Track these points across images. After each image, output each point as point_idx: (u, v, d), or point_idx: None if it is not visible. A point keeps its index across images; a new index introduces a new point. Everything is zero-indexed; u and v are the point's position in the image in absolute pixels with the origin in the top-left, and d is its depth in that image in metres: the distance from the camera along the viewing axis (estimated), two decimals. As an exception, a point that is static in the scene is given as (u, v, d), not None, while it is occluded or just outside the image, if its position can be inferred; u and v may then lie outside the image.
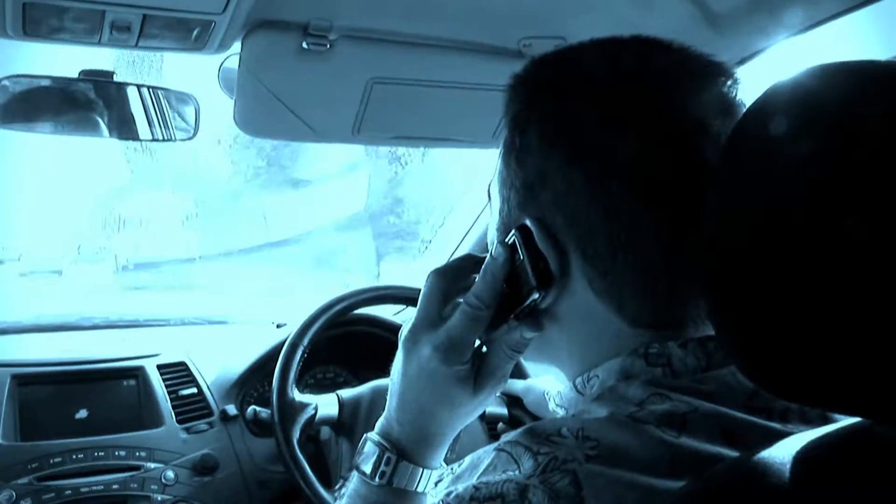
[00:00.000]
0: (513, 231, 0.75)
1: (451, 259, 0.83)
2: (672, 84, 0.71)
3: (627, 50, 0.75)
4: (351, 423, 1.73)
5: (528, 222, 0.73)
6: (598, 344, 0.74)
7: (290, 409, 1.69)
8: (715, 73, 0.73)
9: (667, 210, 0.68)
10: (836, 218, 0.49)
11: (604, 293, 0.72)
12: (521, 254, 0.74)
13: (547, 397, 0.82)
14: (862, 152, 0.49)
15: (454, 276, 0.82)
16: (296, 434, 1.69)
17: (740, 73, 0.75)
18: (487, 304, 0.77)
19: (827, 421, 0.67)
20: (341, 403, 1.75)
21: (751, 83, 0.72)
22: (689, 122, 0.70)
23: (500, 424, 1.94)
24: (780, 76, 0.58)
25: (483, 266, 0.77)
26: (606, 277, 0.71)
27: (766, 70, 1.38)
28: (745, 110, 0.59)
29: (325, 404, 1.74)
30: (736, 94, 0.73)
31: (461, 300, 0.79)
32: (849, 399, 0.53)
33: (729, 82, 0.73)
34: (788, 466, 0.55)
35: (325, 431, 1.78)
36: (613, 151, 0.69)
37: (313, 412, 1.71)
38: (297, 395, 1.72)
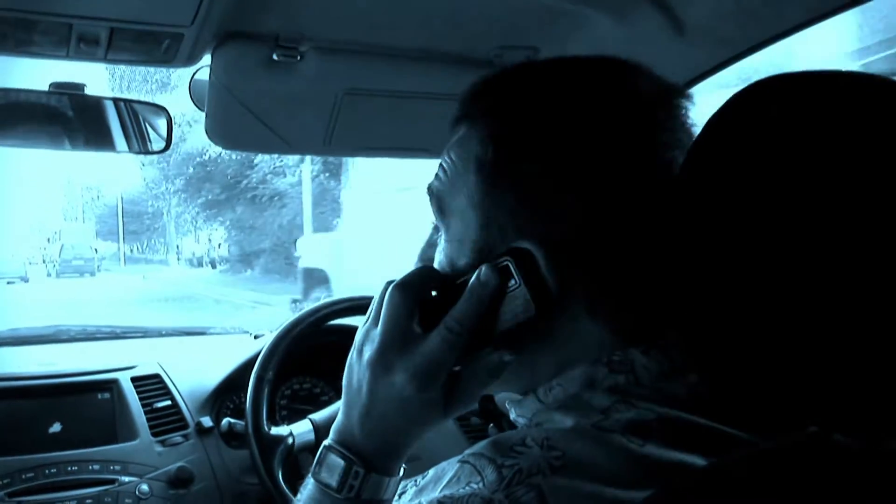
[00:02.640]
0: (505, 256, 0.72)
1: (409, 272, 0.80)
2: (655, 104, 0.73)
3: (604, 69, 0.76)
4: None
5: (528, 246, 0.71)
6: (578, 360, 0.73)
7: (268, 445, 1.68)
8: (679, 93, 0.75)
9: (670, 228, 0.67)
10: (793, 227, 0.50)
11: (602, 313, 0.71)
12: (516, 279, 0.71)
13: (508, 406, 0.81)
14: (828, 161, 0.50)
15: (417, 289, 0.78)
16: (279, 470, 1.68)
17: (708, 82, 0.76)
18: (470, 330, 0.74)
19: (793, 428, 0.67)
20: (316, 427, 1.73)
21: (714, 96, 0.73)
22: (672, 140, 0.71)
23: (473, 418, 1.94)
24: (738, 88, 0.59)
25: (468, 289, 0.74)
26: (610, 299, 0.71)
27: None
28: (707, 121, 0.60)
29: (301, 432, 1.73)
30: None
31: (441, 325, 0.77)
32: (805, 407, 0.54)
33: (689, 102, 0.75)
34: (748, 475, 0.55)
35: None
36: (615, 175, 0.70)
37: (291, 442, 1.70)
38: (273, 429, 1.71)
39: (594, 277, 0.71)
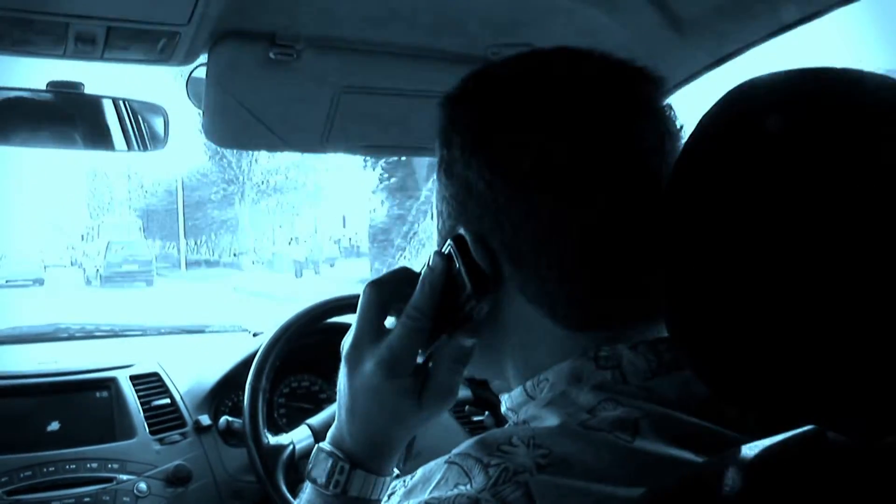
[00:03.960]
0: (448, 241, 0.76)
1: (386, 272, 0.85)
2: (583, 88, 0.73)
3: (544, 60, 0.77)
4: None
5: (461, 231, 0.75)
6: (539, 349, 0.75)
7: (269, 456, 1.68)
8: (632, 77, 0.75)
9: (587, 211, 0.69)
10: (793, 224, 0.49)
11: (534, 298, 0.73)
12: (456, 263, 0.75)
13: (501, 398, 0.82)
14: (820, 161, 0.50)
15: (390, 288, 0.82)
16: (282, 480, 1.67)
17: (707, 78, 0.76)
18: (426, 315, 0.77)
19: (786, 429, 0.67)
20: (315, 433, 1.73)
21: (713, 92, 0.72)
22: (604, 124, 0.71)
23: (467, 407, 1.94)
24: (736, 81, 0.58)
25: (421, 276, 0.78)
26: (534, 281, 0.72)
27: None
28: (709, 109, 0.60)
29: (300, 439, 1.73)
30: (656, 97, 0.75)
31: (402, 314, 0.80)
32: (799, 405, 0.54)
33: (648, 86, 0.75)
34: (741, 474, 0.55)
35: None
36: (529, 155, 0.71)
37: (291, 451, 1.70)
38: (272, 439, 1.71)
39: (518, 265, 0.73)
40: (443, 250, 0.77)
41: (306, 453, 1.69)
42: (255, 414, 1.71)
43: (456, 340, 0.78)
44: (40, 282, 22.87)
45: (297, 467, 1.74)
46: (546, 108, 0.72)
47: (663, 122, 0.73)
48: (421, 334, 0.78)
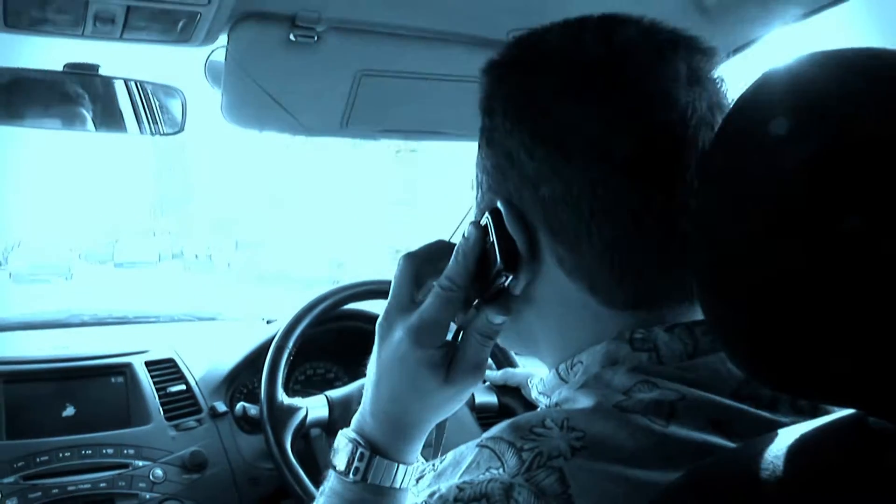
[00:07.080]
0: (486, 213, 0.75)
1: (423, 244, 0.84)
2: (633, 56, 0.71)
3: (590, 26, 0.74)
4: (342, 423, 1.69)
5: (498, 204, 0.73)
6: (577, 329, 0.74)
7: (280, 414, 1.68)
8: (681, 45, 0.72)
9: (630, 181, 0.68)
10: (833, 211, 0.48)
11: (574, 272, 0.71)
12: (491, 236, 0.74)
13: (530, 385, 0.81)
14: (866, 147, 0.49)
15: (425, 259, 0.81)
16: (288, 439, 1.67)
17: (734, 62, 0.74)
18: (458, 286, 0.76)
19: (817, 411, 0.66)
20: (331, 404, 1.72)
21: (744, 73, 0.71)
22: (651, 92, 0.69)
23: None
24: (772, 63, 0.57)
25: (456, 247, 0.77)
26: (575, 255, 0.70)
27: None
28: (739, 95, 0.58)
29: (315, 406, 1.72)
30: (706, 67, 0.72)
31: (434, 284, 0.79)
32: (842, 391, 0.53)
33: (697, 55, 0.72)
34: (781, 460, 0.54)
35: (315, 429, 1.76)
36: (574, 125, 0.69)
37: (303, 416, 1.70)
38: (287, 399, 1.70)
39: (558, 239, 0.71)
40: (480, 222, 0.76)
41: (318, 423, 1.71)
42: (274, 370, 1.71)
43: (485, 314, 0.77)
44: (67, 276, 21.51)
45: (307, 436, 1.74)
46: (594, 78, 0.69)
47: (714, 94, 0.71)
48: (452, 305, 0.77)
